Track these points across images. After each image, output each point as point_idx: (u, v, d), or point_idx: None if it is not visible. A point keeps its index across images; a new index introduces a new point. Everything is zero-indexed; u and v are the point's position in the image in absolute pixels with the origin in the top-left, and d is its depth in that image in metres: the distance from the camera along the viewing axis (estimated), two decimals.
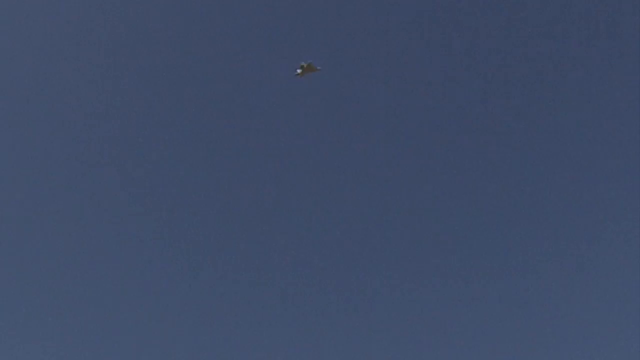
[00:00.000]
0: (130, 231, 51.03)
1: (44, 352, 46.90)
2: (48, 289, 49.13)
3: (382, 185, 52.90)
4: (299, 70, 35.35)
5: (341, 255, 51.14)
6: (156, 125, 53.50)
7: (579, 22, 55.26)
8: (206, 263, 50.59)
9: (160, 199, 51.99)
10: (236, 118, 53.76)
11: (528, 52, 55.28)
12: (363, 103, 53.96)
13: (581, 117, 54.36)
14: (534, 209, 52.48)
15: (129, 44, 54.42)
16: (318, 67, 35.28)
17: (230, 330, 48.67)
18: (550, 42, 55.22)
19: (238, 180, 52.74)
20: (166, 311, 48.91)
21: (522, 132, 54.52)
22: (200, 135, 53.69)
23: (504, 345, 48.62)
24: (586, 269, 50.75)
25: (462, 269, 50.80)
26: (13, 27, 54.21)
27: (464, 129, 54.31)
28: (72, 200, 51.62)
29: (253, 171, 52.92)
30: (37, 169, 52.16)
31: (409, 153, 53.53)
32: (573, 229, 51.83)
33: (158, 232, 51.06)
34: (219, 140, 53.45)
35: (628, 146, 53.05)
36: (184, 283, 49.91)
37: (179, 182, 52.54)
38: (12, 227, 50.59)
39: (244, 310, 49.45)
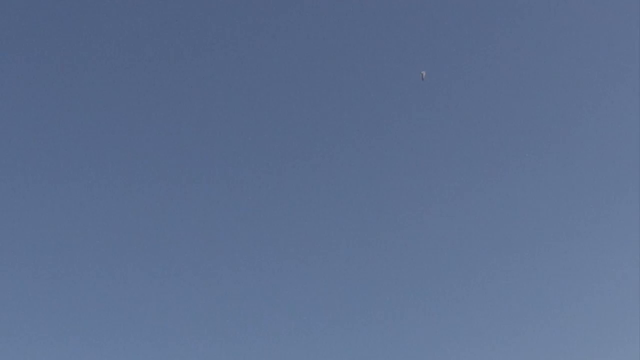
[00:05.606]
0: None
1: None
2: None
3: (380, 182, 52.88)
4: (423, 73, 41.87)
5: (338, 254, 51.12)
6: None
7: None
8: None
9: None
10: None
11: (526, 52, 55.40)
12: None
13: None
14: (532, 208, 52.51)
15: None
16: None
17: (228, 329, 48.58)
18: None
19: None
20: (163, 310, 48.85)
21: (522, 132, 54.62)
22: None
23: (503, 345, 48.59)
24: (584, 267, 50.75)
25: (461, 268, 50.83)
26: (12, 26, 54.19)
27: (465, 128, 54.40)
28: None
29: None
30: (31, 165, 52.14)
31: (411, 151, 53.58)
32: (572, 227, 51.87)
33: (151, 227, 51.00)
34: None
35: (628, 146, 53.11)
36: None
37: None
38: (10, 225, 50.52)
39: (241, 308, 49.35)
